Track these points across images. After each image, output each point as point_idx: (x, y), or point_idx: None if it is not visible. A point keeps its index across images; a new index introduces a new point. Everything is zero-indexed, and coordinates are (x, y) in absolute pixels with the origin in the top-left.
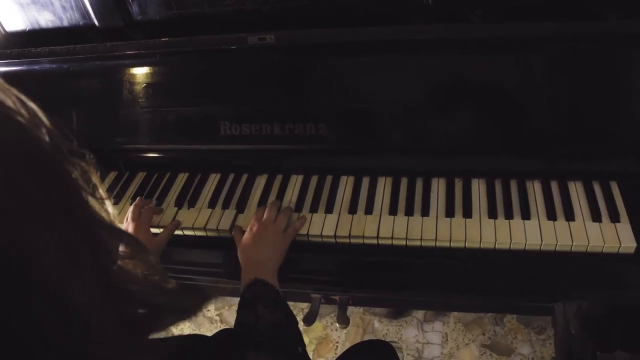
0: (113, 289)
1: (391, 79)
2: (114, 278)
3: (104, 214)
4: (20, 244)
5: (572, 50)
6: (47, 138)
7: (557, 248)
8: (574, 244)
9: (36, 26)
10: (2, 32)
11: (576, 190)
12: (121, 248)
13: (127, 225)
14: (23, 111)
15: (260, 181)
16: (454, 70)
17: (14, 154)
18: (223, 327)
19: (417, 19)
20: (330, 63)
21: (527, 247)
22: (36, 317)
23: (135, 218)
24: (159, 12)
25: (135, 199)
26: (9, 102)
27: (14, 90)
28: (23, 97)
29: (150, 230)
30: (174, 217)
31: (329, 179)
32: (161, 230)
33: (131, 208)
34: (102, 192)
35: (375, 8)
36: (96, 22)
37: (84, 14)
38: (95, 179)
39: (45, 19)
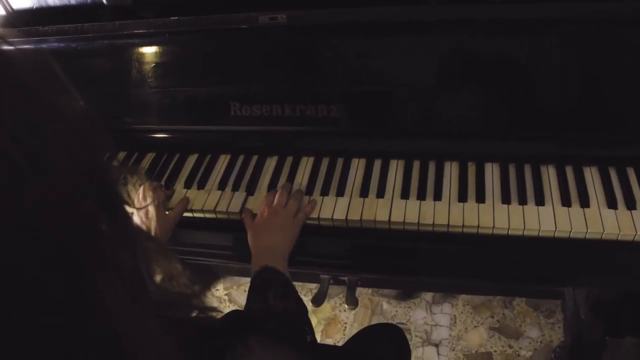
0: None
1: (404, 60)
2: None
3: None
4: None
5: (591, 31)
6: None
7: (571, 235)
8: (589, 231)
9: (43, 4)
10: (9, 9)
11: (591, 176)
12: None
13: (142, 203)
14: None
15: (271, 163)
16: (468, 52)
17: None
18: (231, 307)
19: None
20: (343, 44)
21: (540, 234)
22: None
23: (152, 197)
24: None
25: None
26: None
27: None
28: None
29: (164, 210)
30: None
31: (340, 161)
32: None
33: (146, 186)
34: (135, 200)
35: None
36: (104, 0)
37: None
38: (131, 185)
39: None
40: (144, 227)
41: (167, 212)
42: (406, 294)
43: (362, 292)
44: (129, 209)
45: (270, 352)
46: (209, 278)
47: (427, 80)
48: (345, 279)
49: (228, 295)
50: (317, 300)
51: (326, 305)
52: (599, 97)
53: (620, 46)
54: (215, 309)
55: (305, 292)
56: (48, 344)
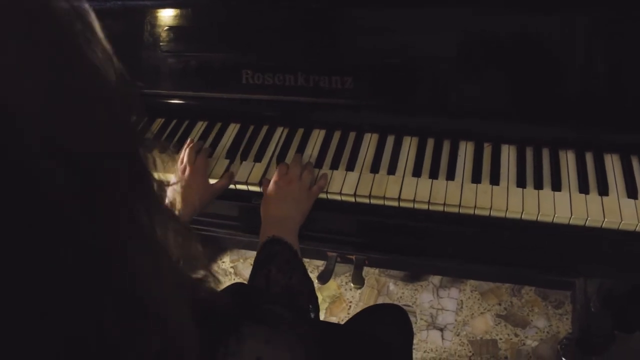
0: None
1: (424, 33)
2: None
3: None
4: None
5: (618, 13)
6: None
7: (587, 223)
8: (606, 220)
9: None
10: None
11: (612, 163)
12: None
13: (182, 168)
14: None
15: (281, 134)
16: (491, 27)
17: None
18: (237, 280)
19: None
20: (362, 13)
21: (555, 220)
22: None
23: (192, 162)
24: None
25: (188, 141)
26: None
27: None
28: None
29: (206, 176)
30: None
31: (352, 135)
32: None
33: (187, 151)
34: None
35: None
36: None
37: None
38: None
39: None
40: (175, 199)
41: (210, 182)
42: (414, 276)
43: (369, 272)
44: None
45: (264, 345)
46: (215, 249)
47: (447, 55)
48: (353, 257)
49: (234, 268)
50: (323, 278)
51: (332, 283)
52: (624, 82)
53: None
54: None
55: (312, 269)
56: (70, 293)
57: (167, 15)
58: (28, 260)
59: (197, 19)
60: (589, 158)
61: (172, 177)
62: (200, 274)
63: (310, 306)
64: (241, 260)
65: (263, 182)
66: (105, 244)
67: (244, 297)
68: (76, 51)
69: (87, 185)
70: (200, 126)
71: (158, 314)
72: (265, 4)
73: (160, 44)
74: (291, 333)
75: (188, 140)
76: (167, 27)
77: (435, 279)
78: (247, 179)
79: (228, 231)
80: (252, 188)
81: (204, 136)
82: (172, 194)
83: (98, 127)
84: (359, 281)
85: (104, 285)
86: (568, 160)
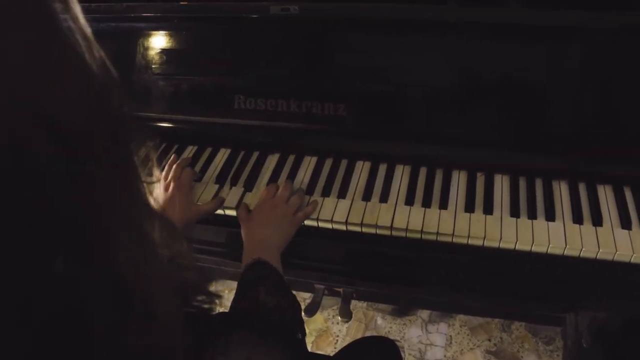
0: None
1: (418, 61)
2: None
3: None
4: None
5: (610, 43)
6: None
7: (581, 254)
8: (601, 250)
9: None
10: None
11: (605, 194)
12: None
13: (166, 184)
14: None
15: (272, 160)
16: (484, 56)
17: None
18: (222, 310)
19: None
20: (356, 39)
21: (549, 250)
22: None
23: (176, 178)
24: None
25: (172, 158)
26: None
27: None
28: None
29: (191, 194)
30: None
31: (344, 163)
32: None
33: (173, 167)
34: (156, 172)
35: None
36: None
37: None
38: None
39: None
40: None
41: (198, 203)
42: (402, 310)
43: (356, 306)
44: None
45: (254, 349)
46: None
47: (440, 83)
48: (340, 290)
49: (221, 297)
50: (310, 310)
51: (319, 316)
52: (616, 113)
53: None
54: (219, 296)
55: (299, 301)
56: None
57: (159, 38)
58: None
59: (190, 43)
60: (582, 189)
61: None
62: (188, 273)
63: (298, 328)
64: (227, 291)
65: (240, 206)
66: (87, 224)
67: (229, 318)
68: (54, 28)
69: (69, 158)
70: (189, 151)
71: (145, 306)
72: (259, 29)
73: (152, 66)
74: (281, 344)
75: (172, 157)
76: (159, 50)
77: (424, 314)
78: (236, 204)
79: (214, 258)
80: None
81: (193, 161)
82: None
83: (80, 102)
84: (346, 315)
85: (86, 268)
86: (561, 190)
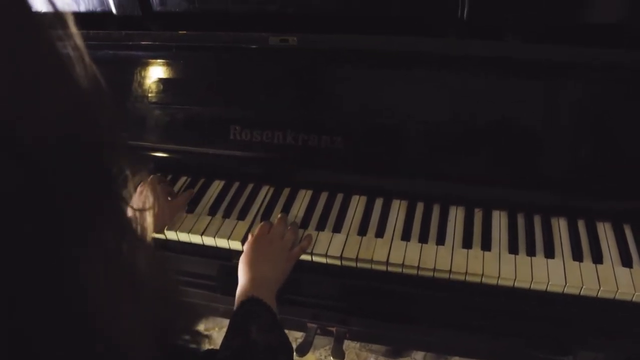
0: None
1: (416, 95)
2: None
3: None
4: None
5: (610, 81)
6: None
7: (582, 292)
8: (602, 288)
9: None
10: None
11: (605, 231)
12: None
13: (143, 189)
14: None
15: (266, 192)
16: (483, 91)
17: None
18: (211, 347)
19: (449, 33)
20: (354, 72)
21: (549, 288)
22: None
23: (154, 188)
24: (179, 5)
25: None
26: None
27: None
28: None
29: (165, 197)
30: None
31: (339, 197)
32: None
33: (149, 179)
34: (132, 194)
35: (406, 18)
36: (114, 10)
37: (103, 0)
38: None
39: (63, 2)
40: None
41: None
42: (396, 351)
43: (349, 346)
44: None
45: None
46: None
47: (438, 119)
48: (333, 329)
49: (208, 337)
50: (302, 350)
51: (310, 356)
52: (614, 150)
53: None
54: (205, 336)
55: (291, 340)
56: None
57: (157, 67)
58: None
59: (188, 72)
60: (581, 226)
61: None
62: (172, 311)
63: None
64: (216, 329)
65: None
66: (54, 248)
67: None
68: (43, 39)
69: (38, 183)
70: (183, 182)
71: (108, 348)
72: (258, 60)
73: (148, 95)
74: None
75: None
76: (156, 79)
77: (419, 355)
78: (229, 236)
79: (205, 292)
80: (233, 246)
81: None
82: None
83: (58, 118)
84: (339, 355)
85: (47, 296)
86: (560, 227)
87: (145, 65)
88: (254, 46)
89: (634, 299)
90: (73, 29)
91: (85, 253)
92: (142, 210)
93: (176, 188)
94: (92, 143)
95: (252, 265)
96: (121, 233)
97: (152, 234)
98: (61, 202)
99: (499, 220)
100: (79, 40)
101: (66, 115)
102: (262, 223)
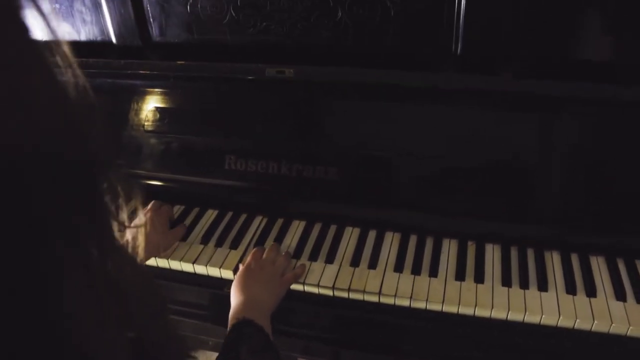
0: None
1: (410, 128)
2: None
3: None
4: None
5: (604, 117)
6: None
7: (575, 325)
8: (596, 322)
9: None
10: None
11: (598, 265)
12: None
13: (145, 212)
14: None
15: (260, 222)
16: (476, 125)
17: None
18: None
19: (444, 68)
20: (349, 105)
21: (542, 321)
22: None
23: (155, 210)
24: (178, 36)
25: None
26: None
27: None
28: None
29: (166, 224)
30: None
31: (332, 228)
32: None
33: (152, 203)
34: (125, 216)
35: (401, 53)
36: (114, 40)
37: (103, 30)
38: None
39: (63, 31)
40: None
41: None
42: None
43: None
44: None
45: None
46: None
47: (431, 152)
48: None
49: None
50: None
51: None
52: (607, 186)
53: (634, 132)
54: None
55: None
56: None
57: (154, 96)
58: None
59: (185, 101)
60: (574, 259)
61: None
62: (163, 333)
63: None
64: None
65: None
66: (35, 260)
67: None
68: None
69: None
70: (176, 210)
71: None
72: (254, 91)
73: (145, 123)
74: None
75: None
76: (153, 107)
77: None
78: (221, 264)
79: (195, 321)
80: (225, 275)
81: (179, 221)
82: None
83: (45, 129)
84: None
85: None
86: (554, 261)
87: (143, 94)
88: (250, 77)
89: (628, 333)
90: (65, 47)
91: (67, 267)
92: (132, 228)
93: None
94: (79, 157)
95: (244, 289)
96: (107, 249)
97: (143, 255)
98: (43, 212)
99: (492, 254)
100: (70, 58)
101: (55, 126)
102: (254, 249)
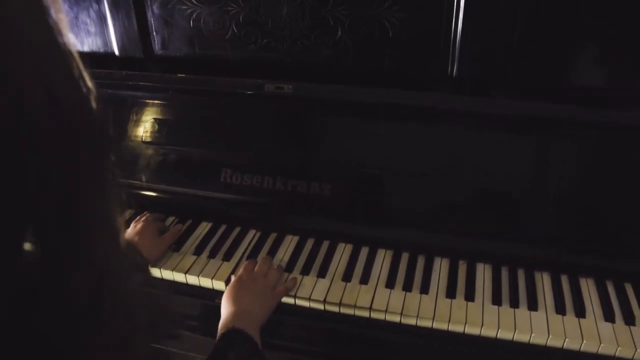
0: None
1: (406, 147)
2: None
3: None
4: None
5: (596, 138)
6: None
7: (565, 344)
8: (584, 342)
9: None
10: None
11: (587, 287)
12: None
13: (135, 223)
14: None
15: (253, 236)
16: (470, 145)
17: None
18: None
19: (440, 89)
20: (346, 122)
21: (532, 340)
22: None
23: (146, 220)
24: (180, 50)
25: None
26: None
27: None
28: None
29: (156, 233)
30: None
31: (325, 244)
32: None
33: (145, 216)
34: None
35: (399, 73)
36: (116, 52)
37: (106, 42)
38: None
39: None
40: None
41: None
42: None
43: None
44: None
45: None
46: None
47: (426, 170)
48: None
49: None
50: None
51: None
52: (599, 208)
53: (625, 157)
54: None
55: None
56: None
57: (154, 108)
58: None
59: (184, 114)
60: (564, 281)
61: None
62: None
63: None
64: None
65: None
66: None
67: None
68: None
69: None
70: (170, 222)
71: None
72: (253, 106)
73: (143, 134)
74: None
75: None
76: (152, 119)
77: None
78: (213, 275)
79: (185, 332)
80: (217, 286)
81: None
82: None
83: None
84: None
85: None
86: (544, 281)
87: (142, 105)
88: (249, 92)
89: (617, 354)
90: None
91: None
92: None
93: None
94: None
95: (235, 300)
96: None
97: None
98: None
99: (483, 273)
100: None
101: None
102: (247, 261)
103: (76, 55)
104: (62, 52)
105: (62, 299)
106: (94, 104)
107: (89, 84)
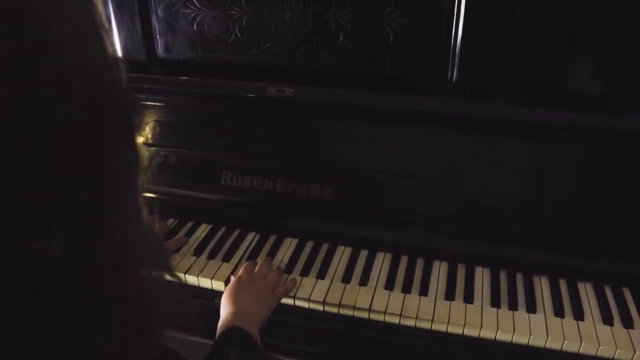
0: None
1: (405, 150)
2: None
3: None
4: None
5: (595, 143)
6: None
7: (563, 347)
8: (583, 344)
9: None
10: None
11: (586, 290)
12: None
13: None
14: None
15: (253, 238)
16: (469, 149)
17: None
18: None
19: (439, 93)
20: (346, 125)
21: (530, 342)
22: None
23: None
24: (183, 53)
25: None
26: None
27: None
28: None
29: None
30: None
31: (325, 246)
32: None
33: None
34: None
35: (399, 78)
36: (120, 54)
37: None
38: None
39: None
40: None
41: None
42: None
43: None
44: None
45: None
46: None
47: (425, 174)
48: None
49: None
50: None
51: None
52: (597, 212)
53: (622, 162)
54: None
55: None
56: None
57: (156, 110)
58: None
59: (185, 116)
60: (562, 284)
61: None
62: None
63: None
64: None
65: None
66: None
67: None
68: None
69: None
70: (170, 224)
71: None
72: (254, 109)
73: (144, 136)
74: None
75: None
76: (154, 121)
77: None
78: (212, 276)
79: (184, 334)
80: (216, 287)
81: (171, 235)
82: None
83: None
84: None
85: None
86: (542, 285)
87: (144, 107)
88: (251, 95)
89: (616, 356)
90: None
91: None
92: None
93: None
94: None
95: (235, 300)
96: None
97: None
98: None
99: (482, 276)
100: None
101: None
102: (247, 262)
103: (110, 36)
104: (98, 28)
105: (87, 274)
106: (124, 84)
107: (121, 65)
